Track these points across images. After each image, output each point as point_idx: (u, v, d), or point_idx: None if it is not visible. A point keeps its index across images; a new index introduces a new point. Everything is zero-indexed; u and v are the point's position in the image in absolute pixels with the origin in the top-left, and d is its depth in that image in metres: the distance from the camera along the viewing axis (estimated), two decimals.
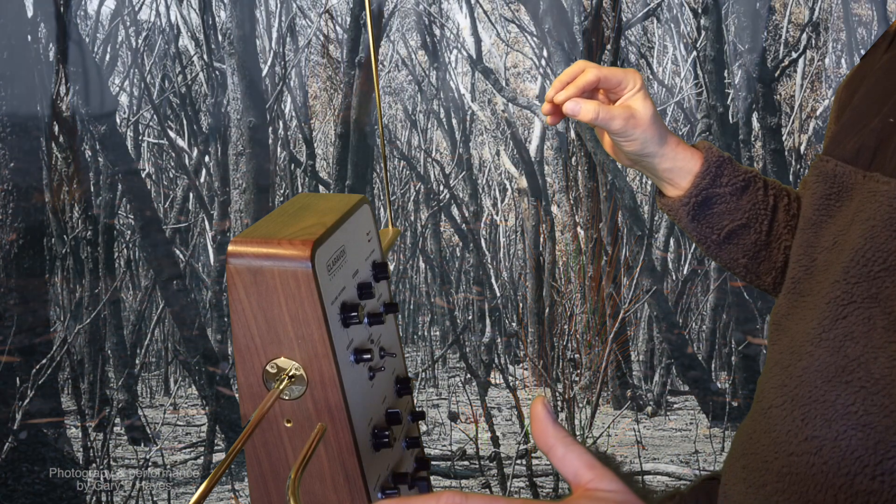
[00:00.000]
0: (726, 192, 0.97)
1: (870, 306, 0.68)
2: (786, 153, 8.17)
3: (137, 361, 8.33)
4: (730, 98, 7.82)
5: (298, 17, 12.55)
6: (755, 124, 8.24)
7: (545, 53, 8.10)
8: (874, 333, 0.67)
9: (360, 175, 7.28)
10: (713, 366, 8.45)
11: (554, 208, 11.93)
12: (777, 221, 0.98)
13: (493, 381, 10.16)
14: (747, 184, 0.98)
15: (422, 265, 16.74)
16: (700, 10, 6.83)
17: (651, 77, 9.80)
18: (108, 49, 9.46)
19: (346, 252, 0.70)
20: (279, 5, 8.85)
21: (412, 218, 14.83)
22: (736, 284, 6.50)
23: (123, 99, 10.09)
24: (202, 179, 9.74)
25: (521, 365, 11.77)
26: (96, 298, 7.16)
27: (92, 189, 7.78)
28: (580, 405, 6.08)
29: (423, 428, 7.02)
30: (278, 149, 10.61)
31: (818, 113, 10.83)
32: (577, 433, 4.63)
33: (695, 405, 7.40)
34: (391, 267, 1.38)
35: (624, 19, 8.29)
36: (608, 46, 7.03)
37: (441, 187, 11.79)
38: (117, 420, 6.54)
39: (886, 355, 0.65)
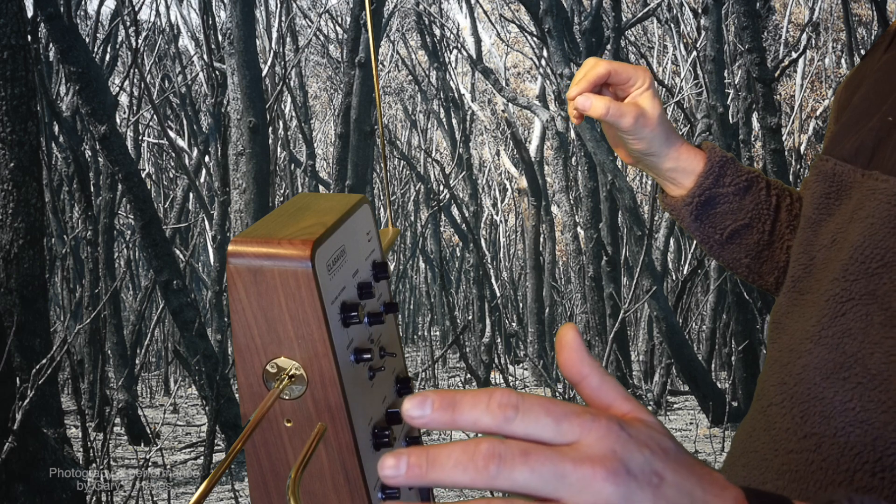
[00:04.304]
0: (729, 192, 0.97)
1: (867, 303, 0.68)
2: (786, 153, 8.16)
3: (137, 361, 8.33)
4: (730, 98, 7.81)
5: (298, 17, 12.55)
6: (755, 124, 8.24)
7: (545, 53, 8.10)
8: (871, 330, 0.67)
9: (360, 175, 7.28)
10: (713, 366, 8.45)
11: (554, 208, 11.93)
12: (780, 221, 0.99)
13: (493, 381, 10.17)
14: (750, 184, 0.98)
15: (422, 265, 16.76)
16: (700, 10, 6.83)
17: None
18: (108, 49, 9.46)
19: (346, 252, 0.70)
20: (279, 5, 8.85)
21: (412, 218, 14.85)
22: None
23: (123, 99, 10.09)
24: (202, 179, 9.74)
25: (521, 365, 11.78)
26: (96, 298, 7.16)
27: (92, 189, 7.78)
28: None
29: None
30: (278, 149, 10.62)
31: (818, 113, 10.83)
32: None
33: (695, 405, 7.39)
34: (391, 267, 1.38)
35: (624, 19, 8.29)
36: (608, 46, 7.03)
37: (441, 187, 11.78)
38: (117, 420, 6.54)
39: (883, 351, 0.66)
